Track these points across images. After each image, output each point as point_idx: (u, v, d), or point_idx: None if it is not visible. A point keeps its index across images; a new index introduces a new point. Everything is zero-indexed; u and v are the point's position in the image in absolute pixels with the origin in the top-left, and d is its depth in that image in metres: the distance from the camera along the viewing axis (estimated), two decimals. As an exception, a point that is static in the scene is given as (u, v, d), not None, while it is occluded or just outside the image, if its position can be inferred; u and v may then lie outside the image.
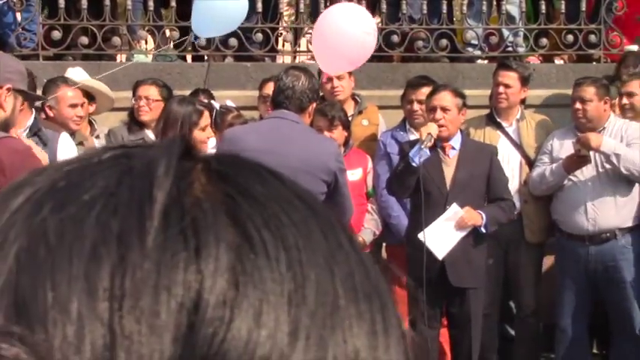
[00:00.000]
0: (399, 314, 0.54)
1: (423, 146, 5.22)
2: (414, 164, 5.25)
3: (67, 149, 4.84)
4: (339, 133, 5.72)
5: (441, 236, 5.29)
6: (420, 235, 5.22)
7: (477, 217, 5.37)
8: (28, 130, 4.85)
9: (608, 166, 5.77)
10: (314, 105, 4.60)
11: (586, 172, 5.82)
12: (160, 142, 0.56)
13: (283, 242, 0.50)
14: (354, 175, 5.76)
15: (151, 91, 5.87)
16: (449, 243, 5.31)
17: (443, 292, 5.41)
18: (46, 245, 0.49)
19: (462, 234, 5.34)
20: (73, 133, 5.44)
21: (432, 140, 5.28)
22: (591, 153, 5.75)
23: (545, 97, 6.92)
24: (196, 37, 6.72)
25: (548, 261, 6.33)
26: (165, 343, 0.47)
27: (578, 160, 5.74)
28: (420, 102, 5.99)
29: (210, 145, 4.88)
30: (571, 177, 5.85)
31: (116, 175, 0.51)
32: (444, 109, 5.40)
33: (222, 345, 0.47)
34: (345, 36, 5.18)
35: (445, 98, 5.43)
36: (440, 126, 5.35)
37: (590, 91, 5.89)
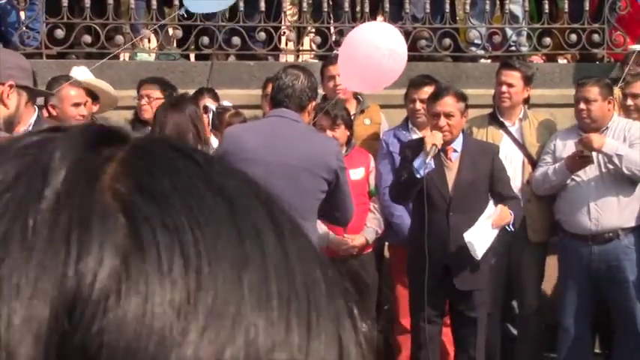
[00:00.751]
0: (343, 315, 0.50)
1: (428, 160, 5.18)
2: (418, 176, 5.22)
3: None
4: (341, 132, 5.71)
5: (481, 236, 5.29)
6: (466, 236, 5.19)
7: (509, 215, 5.39)
8: (30, 127, 4.85)
9: (610, 166, 5.77)
10: (313, 104, 4.60)
11: (589, 172, 5.82)
12: (76, 126, 0.52)
13: (181, 246, 0.47)
14: (356, 174, 5.76)
15: (153, 90, 5.88)
16: (486, 242, 5.30)
17: (446, 291, 5.41)
18: None
19: (497, 231, 5.34)
20: None
21: (436, 151, 5.26)
22: (594, 153, 5.75)
23: (549, 96, 6.91)
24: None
25: (550, 261, 6.33)
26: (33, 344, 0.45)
27: (580, 160, 5.74)
28: (422, 101, 5.98)
29: (213, 145, 4.89)
30: (574, 177, 5.84)
31: (17, 167, 0.49)
32: (448, 115, 5.37)
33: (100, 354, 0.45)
34: (373, 61, 5.11)
35: (448, 103, 5.39)
36: (443, 132, 5.34)
37: (594, 91, 5.88)
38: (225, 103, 5.99)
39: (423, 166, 5.19)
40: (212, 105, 5.42)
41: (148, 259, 0.46)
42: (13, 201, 0.47)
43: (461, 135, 5.52)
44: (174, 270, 0.46)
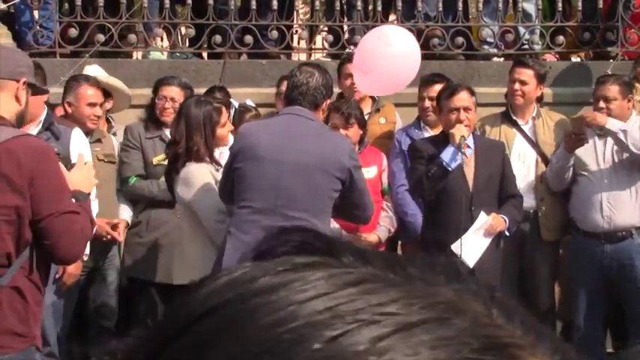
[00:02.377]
0: None
1: (462, 150, 5.20)
2: (450, 169, 5.22)
3: (79, 144, 4.85)
4: (354, 132, 5.71)
5: (473, 245, 5.29)
6: (455, 246, 5.19)
7: (502, 223, 5.38)
8: (41, 124, 4.87)
9: (624, 162, 5.76)
10: (327, 101, 4.59)
11: (602, 170, 5.81)
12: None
13: None
14: (369, 172, 5.75)
15: (176, 92, 5.78)
16: (478, 251, 5.30)
17: None
18: None
19: (489, 240, 5.34)
20: (89, 132, 5.46)
21: (464, 142, 5.28)
22: (606, 150, 5.75)
23: (562, 95, 6.89)
24: (209, 34, 6.69)
25: (564, 259, 6.32)
26: None
27: (575, 139, 5.75)
28: (431, 99, 5.98)
29: (230, 142, 4.89)
30: (588, 174, 5.83)
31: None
32: (467, 109, 5.38)
33: None
34: (386, 63, 5.08)
35: (464, 98, 5.41)
36: (465, 126, 5.35)
37: (614, 90, 5.87)
38: (249, 102, 5.98)
39: (454, 158, 5.20)
40: (235, 102, 5.39)
41: None
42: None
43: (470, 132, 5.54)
44: None
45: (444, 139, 5.40)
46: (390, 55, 5.09)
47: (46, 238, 3.13)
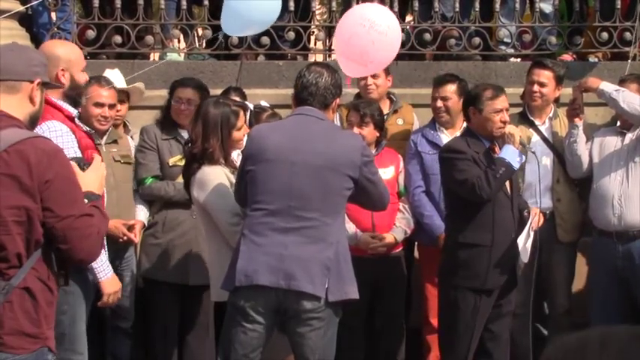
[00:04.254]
0: None
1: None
2: (514, 168, 5.21)
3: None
4: (369, 131, 5.71)
5: (528, 241, 5.29)
6: (519, 240, 5.19)
7: (542, 215, 5.43)
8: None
9: (637, 160, 5.74)
10: (337, 101, 4.58)
11: (617, 168, 5.79)
12: None
13: None
14: (385, 173, 5.75)
15: (192, 94, 5.78)
16: (528, 246, 5.30)
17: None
18: None
19: (533, 235, 5.35)
20: (99, 132, 5.46)
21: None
22: (622, 149, 5.75)
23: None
24: (226, 36, 6.74)
25: (580, 260, 6.29)
26: None
27: (571, 108, 5.91)
28: (443, 99, 5.97)
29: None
30: (604, 172, 5.81)
31: None
32: (507, 110, 5.39)
33: None
34: (358, 40, 5.11)
35: (505, 100, 5.41)
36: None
37: (633, 88, 5.86)
38: (263, 103, 5.99)
39: (520, 157, 5.22)
40: (250, 104, 5.39)
41: None
42: None
43: None
44: None
45: (477, 139, 5.31)
46: (360, 28, 5.13)
47: (64, 242, 3.13)
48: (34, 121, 3.32)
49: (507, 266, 5.26)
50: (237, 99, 5.75)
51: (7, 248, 3.07)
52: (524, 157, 5.32)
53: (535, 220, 5.34)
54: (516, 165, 5.21)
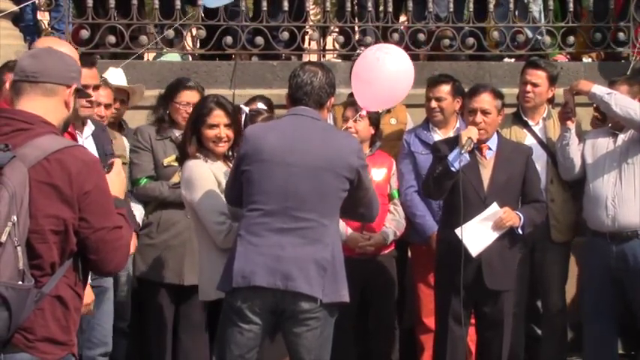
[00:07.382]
0: None
1: (463, 151, 5.22)
2: (453, 169, 5.24)
3: None
4: (364, 126, 5.71)
5: (478, 234, 5.28)
6: (457, 231, 5.20)
7: (515, 218, 5.37)
8: (89, 122, 4.94)
9: (631, 161, 5.75)
10: (332, 100, 4.57)
11: (610, 169, 5.80)
12: None
13: None
14: (377, 175, 5.76)
15: (196, 97, 5.73)
16: (484, 242, 5.30)
17: (475, 293, 5.37)
18: None
19: (498, 234, 5.33)
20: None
21: (472, 145, 5.27)
22: (615, 150, 5.76)
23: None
24: (221, 34, 6.72)
25: (574, 261, 6.31)
26: None
27: (562, 111, 5.94)
28: (437, 99, 5.99)
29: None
30: (597, 173, 5.83)
31: None
32: (484, 112, 5.39)
33: None
34: (374, 74, 5.01)
35: (485, 100, 5.41)
36: (480, 129, 5.34)
37: (623, 90, 5.87)
38: (260, 105, 5.98)
39: (458, 159, 5.21)
40: (245, 107, 5.38)
41: None
42: None
43: (495, 134, 5.52)
44: None
45: (455, 140, 5.41)
46: (376, 62, 5.01)
47: (95, 252, 3.14)
48: (66, 127, 3.30)
49: (474, 269, 5.29)
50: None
51: (42, 257, 3.06)
52: (463, 159, 5.25)
53: (496, 218, 5.30)
54: (456, 166, 5.23)
